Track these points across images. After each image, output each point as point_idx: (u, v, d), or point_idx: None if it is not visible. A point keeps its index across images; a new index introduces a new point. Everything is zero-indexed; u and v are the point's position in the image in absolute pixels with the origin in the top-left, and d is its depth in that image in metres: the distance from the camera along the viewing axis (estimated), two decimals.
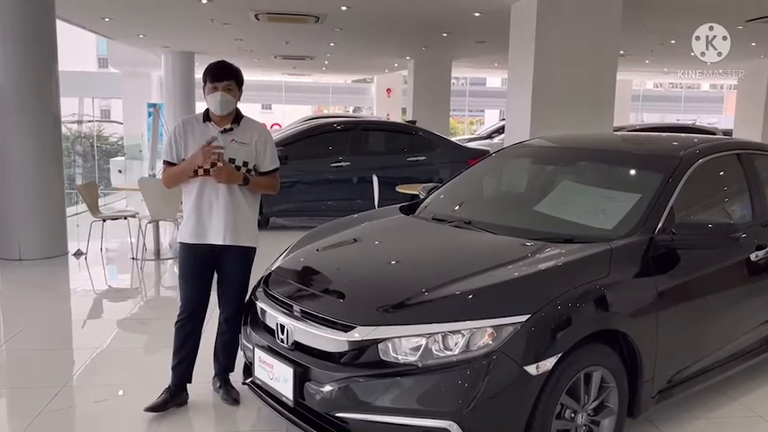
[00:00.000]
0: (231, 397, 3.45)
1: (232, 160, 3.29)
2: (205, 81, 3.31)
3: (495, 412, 2.46)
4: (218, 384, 3.52)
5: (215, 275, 3.45)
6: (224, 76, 3.28)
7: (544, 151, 4.36)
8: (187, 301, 3.39)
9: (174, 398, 3.38)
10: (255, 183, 3.37)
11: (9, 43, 6.47)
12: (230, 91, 3.28)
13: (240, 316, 3.40)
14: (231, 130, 3.34)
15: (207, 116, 3.36)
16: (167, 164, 3.38)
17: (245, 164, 3.33)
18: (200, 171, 3.26)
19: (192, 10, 10.19)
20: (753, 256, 3.44)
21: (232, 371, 3.54)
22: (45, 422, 3.26)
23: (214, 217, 3.31)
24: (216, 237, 3.32)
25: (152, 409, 3.31)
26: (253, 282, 3.45)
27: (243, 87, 3.36)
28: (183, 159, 3.32)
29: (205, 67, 3.36)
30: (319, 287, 3.05)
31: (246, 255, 3.43)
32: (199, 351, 3.45)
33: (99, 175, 14.43)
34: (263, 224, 8.56)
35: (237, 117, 3.37)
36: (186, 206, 3.40)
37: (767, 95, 15.28)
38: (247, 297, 3.40)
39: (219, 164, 3.22)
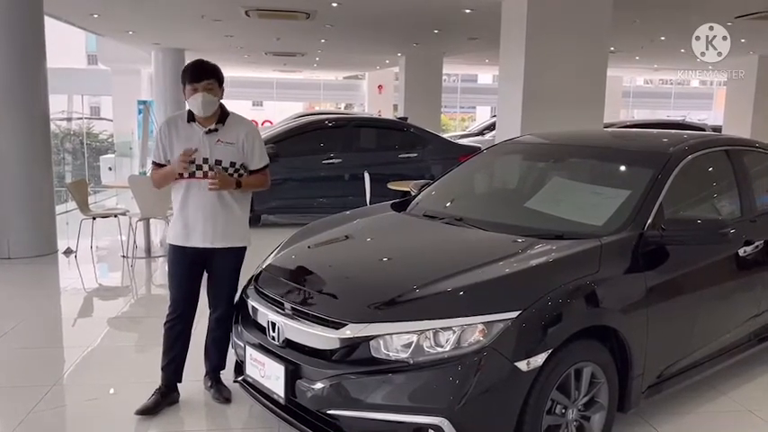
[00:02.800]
0: (223, 396, 3.43)
1: (219, 162, 3.24)
2: (184, 83, 3.21)
3: (487, 408, 2.46)
4: (210, 383, 3.50)
5: (204, 274, 3.42)
6: (203, 75, 3.18)
7: (535, 148, 4.37)
8: (176, 302, 3.36)
9: (166, 398, 3.36)
10: (246, 184, 3.33)
11: None
12: (211, 90, 3.18)
13: (231, 314, 3.39)
14: (216, 130, 3.26)
15: (191, 116, 3.27)
16: (156, 165, 3.35)
17: (233, 164, 3.28)
18: (186, 174, 3.22)
19: (182, 6, 10.15)
20: (741, 252, 3.47)
21: (223, 369, 3.53)
22: (35, 421, 3.25)
23: (200, 220, 3.26)
24: (203, 240, 3.28)
25: (144, 412, 3.27)
26: (243, 279, 3.44)
27: (224, 84, 3.27)
28: (169, 160, 3.28)
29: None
30: (311, 285, 3.04)
31: (236, 255, 3.40)
32: (189, 349, 3.43)
33: (89, 172, 14.33)
34: (255, 221, 8.55)
35: (222, 116, 3.29)
36: (174, 207, 3.37)
37: (756, 92, 15.38)
38: (238, 295, 3.39)
39: (210, 173, 3.18)
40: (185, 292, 3.35)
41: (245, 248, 3.44)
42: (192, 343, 3.44)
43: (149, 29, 13.33)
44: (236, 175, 3.29)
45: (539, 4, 7.73)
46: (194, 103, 3.18)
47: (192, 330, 3.45)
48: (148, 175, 7.60)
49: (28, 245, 6.70)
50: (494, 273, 2.74)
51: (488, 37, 11.16)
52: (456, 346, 2.48)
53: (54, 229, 7.06)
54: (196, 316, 3.44)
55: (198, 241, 3.29)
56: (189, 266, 3.34)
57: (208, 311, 3.50)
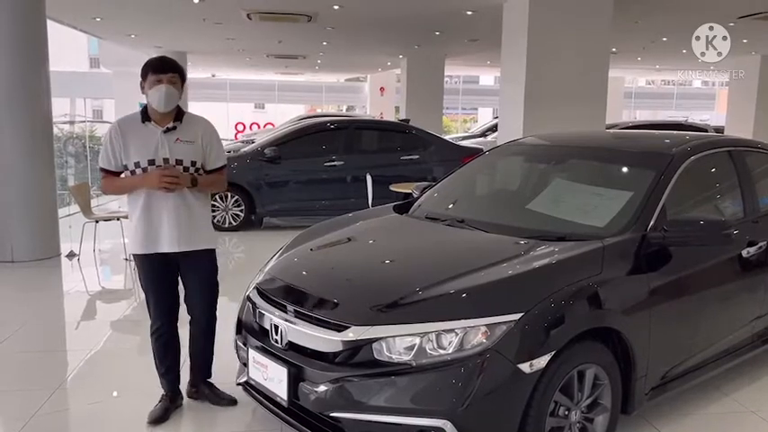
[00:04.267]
0: (224, 398, 3.42)
1: (179, 161, 3.11)
2: (145, 75, 3.07)
3: (490, 410, 2.46)
4: (206, 391, 3.47)
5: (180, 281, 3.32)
6: (168, 68, 3.08)
7: (537, 149, 4.37)
8: (156, 313, 3.27)
9: (173, 403, 3.34)
10: (203, 183, 3.19)
11: None
12: (174, 84, 3.07)
13: (212, 323, 3.37)
14: (174, 128, 3.12)
15: (146, 116, 3.13)
16: (105, 171, 3.16)
17: (194, 163, 3.14)
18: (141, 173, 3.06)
19: (184, 9, 10.17)
20: (744, 253, 3.46)
21: (209, 377, 3.48)
22: (39, 424, 3.25)
23: (165, 223, 3.12)
24: (170, 245, 3.15)
25: (156, 421, 3.22)
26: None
27: (186, 85, 3.16)
28: (125, 165, 3.11)
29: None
30: (313, 287, 3.04)
31: (207, 258, 3.29)
32: (189, 348, 3.43)
33: (91, 175, 14.35)
34: (257, 224, 8.56)
35: (179, 114, 3.16)
36: (133, 214, 3.18)
37: (758, 92, 15.36)
38: (243, 296, 3.38)
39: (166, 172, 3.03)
40: (163, 301, 3.25)
41: (213, 251, 3.33)
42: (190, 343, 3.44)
43: (151, 32, 13.36)
44: (195, 174, 3.17)
45: (540, 6, 7.74)
46: (156, 94, 3.03)
47: (187, 330, 3.43)
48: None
49: (31, 248, 6.70)
50: (496, 275, 2.74)
51: (490, 38, 11.17)
52: (459, 349, 2.48)
53: (57, 232, 7.07)
54: (183, 319, 3.39)
55: (164, 246, 3.15)
56: (160, 275, 3.22)
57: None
